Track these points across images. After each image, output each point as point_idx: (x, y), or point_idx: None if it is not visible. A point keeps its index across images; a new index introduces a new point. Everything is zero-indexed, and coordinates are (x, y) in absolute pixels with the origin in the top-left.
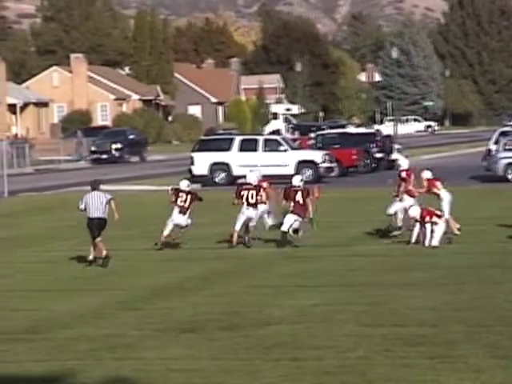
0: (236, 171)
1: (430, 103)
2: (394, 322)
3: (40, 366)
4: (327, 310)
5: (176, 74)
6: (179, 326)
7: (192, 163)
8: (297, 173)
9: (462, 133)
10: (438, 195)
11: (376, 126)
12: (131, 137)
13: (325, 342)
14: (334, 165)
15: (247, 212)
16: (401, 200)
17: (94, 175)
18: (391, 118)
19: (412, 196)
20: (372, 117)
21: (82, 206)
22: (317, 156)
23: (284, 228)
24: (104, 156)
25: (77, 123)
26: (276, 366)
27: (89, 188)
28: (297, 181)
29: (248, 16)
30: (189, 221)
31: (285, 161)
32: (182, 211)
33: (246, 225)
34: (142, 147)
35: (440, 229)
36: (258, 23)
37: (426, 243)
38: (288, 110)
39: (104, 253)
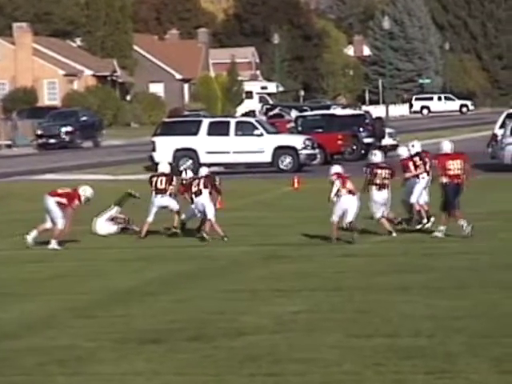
0: (204, 158)
1: (427, 80)
2: (386, 332)
3: None
4: (310, 317)
5: (135, 47)
6: (139, 335)
7: (153, 149)
8: (273, 160)
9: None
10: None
11: (365, 107)
12: (83, 118)
13: (307, 354)
14: (316, 151)
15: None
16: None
17: (39, 162)
18: (419, 95)
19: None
20: (360, 96)
21: None
22: (297, 141)
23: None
24: (52, 140)
25: (20, 103)
26: (251, 382)
27: (35, 178)
28: (204, 171)
29: None
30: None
31: (260, 147)
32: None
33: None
34: (95, 130)
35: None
36: None
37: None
38: (264, 88)
39: None
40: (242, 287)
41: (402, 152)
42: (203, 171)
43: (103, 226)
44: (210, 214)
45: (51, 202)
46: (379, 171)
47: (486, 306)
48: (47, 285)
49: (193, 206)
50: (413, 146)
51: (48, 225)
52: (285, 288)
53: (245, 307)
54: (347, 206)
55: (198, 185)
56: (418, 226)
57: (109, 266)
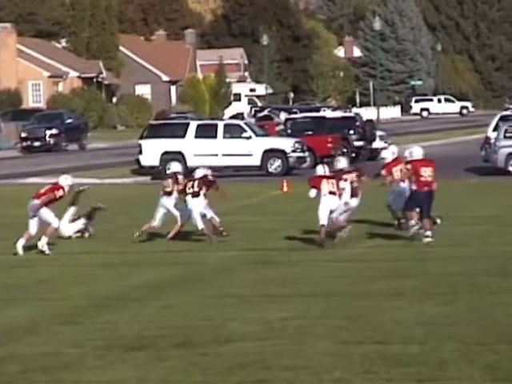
0: (192, 161)
1: (418, 82)
2: (377, 339)
3: None
4: (299, 324)
5: (121, 48)
6: (125, 342)
7: (140, 152)
8: (262, 163)
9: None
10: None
11: (355, 110)
12: (69, 121)
13: (296, 361)
14: (306, 154)
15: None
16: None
17: (24, 166)
18: (419, 97)
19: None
20: (351, 98)
21: None
22: (286, 144)
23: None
24: (37, 143)
25: (4, 105)
26: None
27: (19, 181)
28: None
29: None
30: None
31: (249, 149)
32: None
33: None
34: (81, 133)
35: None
36: None
37: None
38: (252, 90)
39: None
40: (230, 293)
41: (386, 155)
42: (200, 172)
43: (67, 227)
44: (209, 214)
45: (33, 204)
46: (345, 176)
47: (479, 311)
48: (31, 290)
49: (189, 207)
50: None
51: (33, 231)
52: (274, 294)
53: (233, 313)
54: (331, 206)
55: (193, 187)
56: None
57: (94, 272)
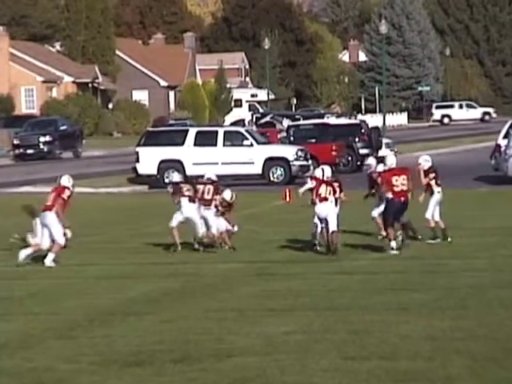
0: (190, 170)
1: (426, 88)
2: (383, 354)
3: None
4: (302, 338)
5: (118, 52)
6: (122, 358)
7: (137, 160)
8: (264, 172)
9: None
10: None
11: (360, 116)
12: (63, 128)
13: (299, 377)
14: (309, 163)
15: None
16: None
17: (16, 174)
18: (439, 103)
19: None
20: (356, 104)
21: None
22: (289, 152)
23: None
24: (30, 151)
25: None
26: None
27: (11, 190)
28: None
29: None
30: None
31: (250, 158)
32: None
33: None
34: (76, 140)
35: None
36: None
37: None
38: (254, 96)
39: None
40: (231, 306)
41: (371, 162)
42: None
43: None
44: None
45: (52, 216)
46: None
47: (488, 326)
48: (24, 303)
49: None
50: (427, 160)
51: (45, 245)
52: (275, 307)
53: (233, 327)
54: (325, 213)
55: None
56: (432, 241)
57: (89, 284)
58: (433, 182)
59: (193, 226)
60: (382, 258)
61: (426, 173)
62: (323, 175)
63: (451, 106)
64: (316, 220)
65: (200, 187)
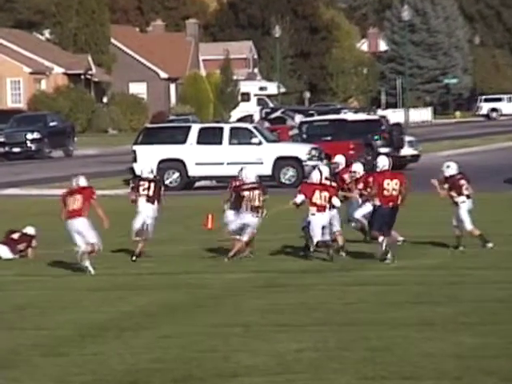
0: (193, 171)
1: (453, 80)
2: (405, 374)
3: None
4: (316, 356)
5: (113, 41)
6: (116, 377)
7: (134, 160)
8: (273, 173)
9: None
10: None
11: (381, 112)
12: (53, 124)
13: None
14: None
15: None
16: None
17: (1, 175)
18: (488, 96)
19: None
20: (375, 98)
21: None
22: (301, 151)
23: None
24: (16, 149)
25: None
26: None
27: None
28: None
29: None
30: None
31: (259, 157)
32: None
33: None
34: (67, 138)
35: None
36: None
37: None
38: (263, 89)
39: None
40: (237, 321)
41: (358, 168)
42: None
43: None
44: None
45: (81, 223)
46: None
47: None
48: (6, 318)
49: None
50: (448, 166)
51: (83, 246)
52: (286, 322)
53: (240, 344)
54: (325, 223)
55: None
56: (490, 245)
57: (81, 296)
58: (453, 193)
59: (146, 228)
60: (400, 268)
61: (446, 181)
62: (321, 177)
63: (499, 100)
64: (313, 229)
65: (246, 193)
